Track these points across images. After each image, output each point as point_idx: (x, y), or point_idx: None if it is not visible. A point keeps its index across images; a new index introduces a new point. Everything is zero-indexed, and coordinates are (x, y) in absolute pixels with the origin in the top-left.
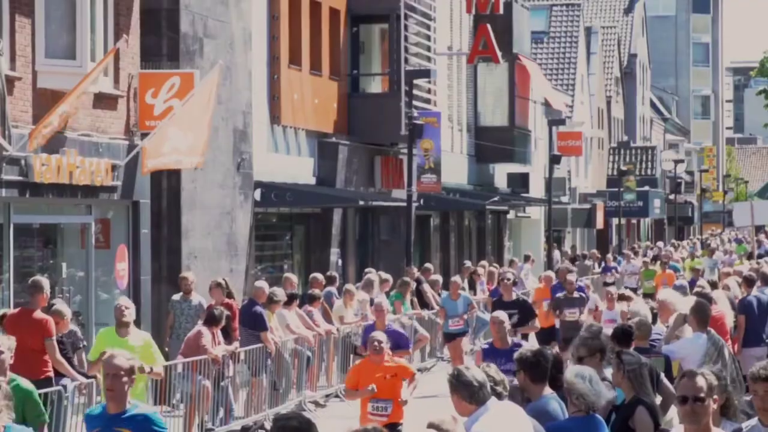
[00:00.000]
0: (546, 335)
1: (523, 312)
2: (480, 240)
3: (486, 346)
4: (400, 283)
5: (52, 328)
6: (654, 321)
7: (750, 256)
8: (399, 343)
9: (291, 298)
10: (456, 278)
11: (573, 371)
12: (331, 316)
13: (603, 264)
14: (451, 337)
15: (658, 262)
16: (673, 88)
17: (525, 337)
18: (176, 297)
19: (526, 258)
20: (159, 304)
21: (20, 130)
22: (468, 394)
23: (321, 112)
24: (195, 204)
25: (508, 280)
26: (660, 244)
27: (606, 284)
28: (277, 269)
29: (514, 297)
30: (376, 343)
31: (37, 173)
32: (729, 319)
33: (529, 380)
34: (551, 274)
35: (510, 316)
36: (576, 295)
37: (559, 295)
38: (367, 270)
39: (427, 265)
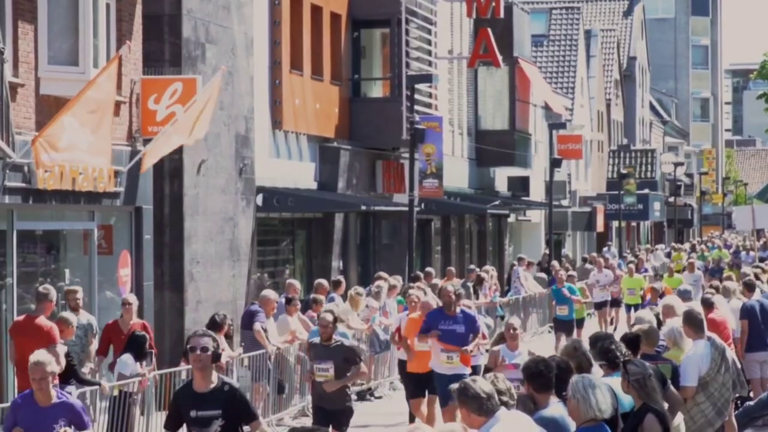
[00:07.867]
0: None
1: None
2: (481, 243)
3: None
4: (406, 290)
5: (56, 335)
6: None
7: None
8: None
9: (289, 302)
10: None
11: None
12: None
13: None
14: None
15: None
16: (672, 90)
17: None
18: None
19: (520, 260)
20: (161, 310)
21: (23, 136)
22: (477, 406)
23: (322, 116)
24: (197, 209)
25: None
26: (661, 246)
27: None
28: (279, 274)
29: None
30: None
31: (40, 180)
32: (731, 323)
33: (534, 390)
34: (430, 300)
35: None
36: (333, 342)
37: (315, 339)
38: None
39: (428, 269)
